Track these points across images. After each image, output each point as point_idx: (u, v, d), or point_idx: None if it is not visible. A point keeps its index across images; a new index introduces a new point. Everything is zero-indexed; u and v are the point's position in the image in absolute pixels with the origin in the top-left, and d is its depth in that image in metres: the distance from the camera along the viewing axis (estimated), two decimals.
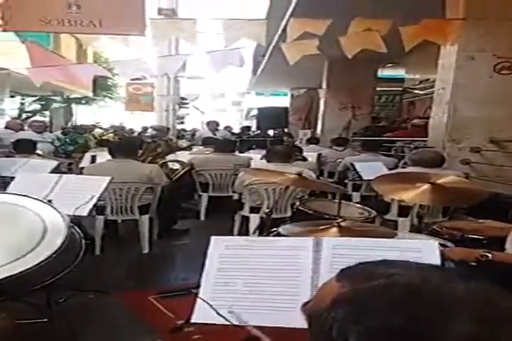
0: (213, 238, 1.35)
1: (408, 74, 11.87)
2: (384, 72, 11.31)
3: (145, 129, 13.51)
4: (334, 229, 2.18)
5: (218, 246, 1.35)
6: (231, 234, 4.06)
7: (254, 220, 4.00)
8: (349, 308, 0.51)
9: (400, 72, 11.83)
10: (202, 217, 5.25)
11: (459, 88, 4.62)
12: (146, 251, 3.98)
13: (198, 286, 1.33)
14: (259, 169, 3.65)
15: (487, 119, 4.55)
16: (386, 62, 10.30)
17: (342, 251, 1.29)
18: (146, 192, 3.97)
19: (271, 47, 8.66)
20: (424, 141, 5.41)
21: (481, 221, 2.71)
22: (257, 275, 1.29)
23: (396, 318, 0.46)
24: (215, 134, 9.21)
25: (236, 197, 4.54)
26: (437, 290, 0.48)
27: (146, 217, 4.00)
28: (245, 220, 4.15)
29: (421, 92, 11.22)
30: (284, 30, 5.25)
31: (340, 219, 2.26)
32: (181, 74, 13.28)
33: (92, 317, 2.62)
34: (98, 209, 3.66)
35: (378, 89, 11.47)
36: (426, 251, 1.19)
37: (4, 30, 3.46)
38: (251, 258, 1.32)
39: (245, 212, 4.16)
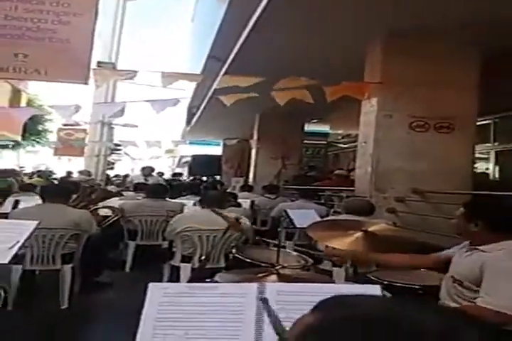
0: (151, 284, 1.25)
1: (332, 130, 12.65)
2: (310, 127, 12.04)
3: (69, 174, 13.06)
4: (273, 277, 2.14)
5: (156, 293, 1.25)
6: None
7: (186, 270, 3.83)
8: (317, 337, 0.51)
9: (324, 128, 12.61)
10: (127, 268, 4.94)
11: (379, 142, 4.96)
12: (65, 305, 3.64)
13: None
14: (195, 215, 3.57)
15: (408, 171, 4.87)
16: (311, 117, 10.96)
17: (287, 297, 1.24)
18: (71, 239, 3.72)
19: (206, 99, 8.93)
20: (351, 190, 5.63)
21: (414, 270, 2.79)
22: (198, 325, 1.21)
23: None
24: (147, 180, 9.00)
25: (166, 245, 4.37)
26: (404, 323, 0.48)
27: (68, 267, 3.71)
28: (175, 271, 3.93)
29: (344, 146, 11.92)
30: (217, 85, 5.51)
31: (278, 266, 2.23)
32: (116, 121, 13.27)
33: None
34: (15, 257, 3.33)
35: (306, 142, 12.10)
36: None
37: None
38: (191, 306, 1.24)
39: (176, 261, 3.97)
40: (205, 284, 1.48)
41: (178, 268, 3.89)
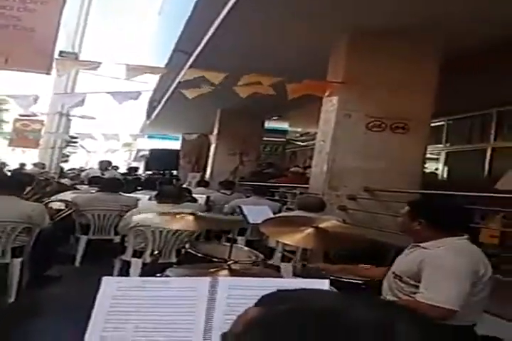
0: (105, 278, 1.26)
1: (291, 127, 12.79)
2: (270, 124, 12.12)
3: (22, 166, 12.58)
4: (224, 272, 2.18)
5: (110, 287, 1.26)
6: None
7: (136, 265, 3.83)
8: (261, 331, 0.51)
9: (283, 125, 12.74)
10: (77, 263, 4.86)
11: (337, 141, 5.05)
12: (12, 299, 3.55)
13: None
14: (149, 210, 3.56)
15: (363, 170, 4.98)
16: (272, 114, 11.06)
17: (238, 291, 1.27)
18: (22, 232, 3.62)
19: (168, 92, 8.85)
20: (306, 187, 5.73)
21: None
22: (149, 318, 1.22)
23: None
24: (103, 174, 8.82)
25: (117, 240, 4.33)
26: (343, 316, 0.50)
27: (18, 261, 3.61)
28: (126, 265, 3.92)
29: (302, 144, 12.08)
30: (182, 78, 5.50)
31: (230, 262, 2.27)
32: (74, 113, 12.94)
33: None
34: None
35: (264, 139, 12.19)
36: None
37: None
38: (144, 300, 1.25)
39: (127, 256, 3.95)
40: (159, 278, 1.50)
41: (129, 263, 3.88)
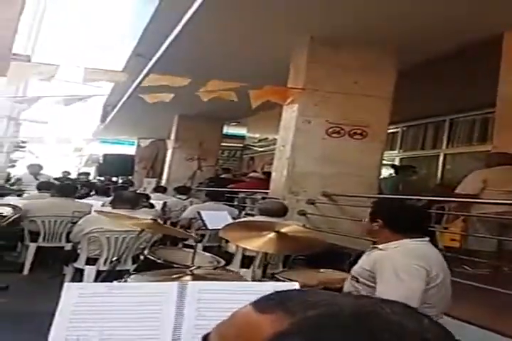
0: (66, 284, 1.19)
1: (249, 133, 12.87)
2: (228, 130, 12.12)
3: None
4: (187, 278, 2.11)
5: (72, 294, 1.18)
6: (59, 290, 3.59)
7: (90, 273, 3.68)
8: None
9: (241, 131, 12.78)
10: (25, 271, 4.60)
11: (297, 147, 5.10)
12: None
13: None
14: (111, 213, 3.44)
15: (322, 175, 5.05)
16: (230, 120, 11.06)
17: (208, 295, 1.23)
18: None
19: (125, 97, 8.67)
20: (266, 192, 5.73)
21: (322, 270, 2.90)
22: (114, 325, 1.16)
23: None
24: (37, 179, 8.19)
25: (69, 247, 4.19)
26: (379, 315, 0.47)
27: None
28: (79, 273, 3.78)
29: (260, 149, 12.15)
30: (141, 83, 5.40)
31: (194, 267, 2.21)
32: (24, 116, 12.36)
33: None
34: None
35: (223, 144, 12.15)
36: None
37: None
38: (108, 306, 1.19)
39: (80, 264, 3.81)
40: (124, 284, 1.43)
41: (81, 271, 3.74)
